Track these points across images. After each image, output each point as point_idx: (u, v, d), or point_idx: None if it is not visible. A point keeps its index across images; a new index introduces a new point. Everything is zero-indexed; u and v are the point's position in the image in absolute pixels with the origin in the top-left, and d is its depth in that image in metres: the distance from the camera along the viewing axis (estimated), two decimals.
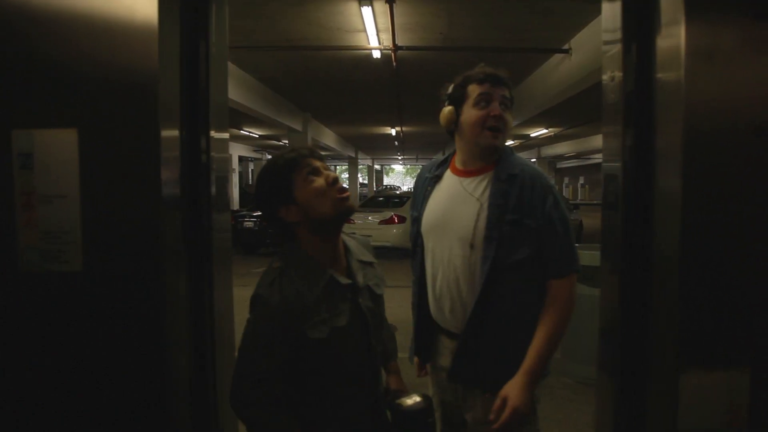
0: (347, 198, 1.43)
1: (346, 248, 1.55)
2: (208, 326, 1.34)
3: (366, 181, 39.34)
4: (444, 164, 1.92)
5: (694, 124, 1.10)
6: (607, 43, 1.52)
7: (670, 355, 1.15)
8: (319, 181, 1.41)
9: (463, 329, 1.73)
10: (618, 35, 1.39)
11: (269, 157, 23.32)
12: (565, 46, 7.28)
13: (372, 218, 11.33)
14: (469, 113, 1.75)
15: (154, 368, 1.13)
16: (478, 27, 6.67)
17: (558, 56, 7.81)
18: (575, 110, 12.72)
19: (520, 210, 1.68)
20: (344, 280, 1.45)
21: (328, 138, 19.07)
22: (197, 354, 1.36)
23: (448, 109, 1.82)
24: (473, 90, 1.75)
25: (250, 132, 17.65)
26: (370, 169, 38.65)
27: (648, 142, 1.29)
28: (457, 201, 1.80)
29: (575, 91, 8.10)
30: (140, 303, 1.12)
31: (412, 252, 1.96)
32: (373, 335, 1.51)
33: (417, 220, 1.90)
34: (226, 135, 1.44)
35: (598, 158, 27.87)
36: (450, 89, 1.83)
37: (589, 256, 4.28)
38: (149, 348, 1.13)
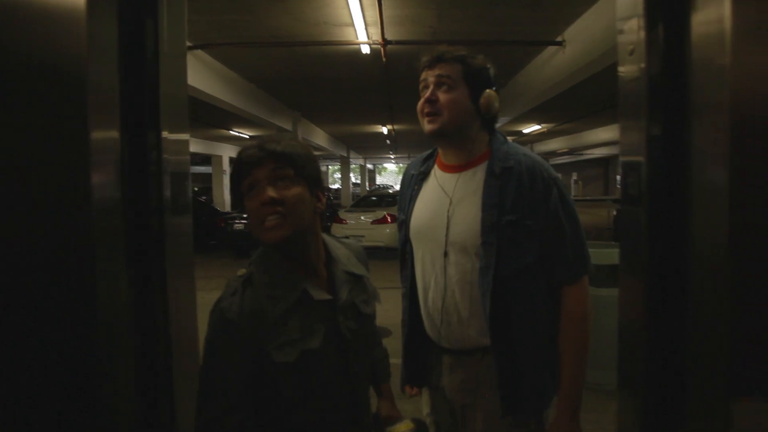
0: (271, 228, 1.18)
1: (330, 256, 1.33)
2: (161, 336, 1.16)
3: (359, 181, 39.24)
4: (430, 159, 1.73)
5: (742, 111, 0.90)
6: (623, 19, 1.33)
7: (717, 377, 0.95)
8: (252, 202, 1.20)
9: (495, 360, 1.51)
10: (639, 10, 1.19)
11: None
12: (559, 38, 7.12)
13: (364, 218, 11.19)
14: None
15: (87, 387, 0.94)
16: (469, 20, 6.50)
17: (551, 49, 7.65)
18: (568, 105, 12.62)
19: (519, 209, 1.47)
20: (320, 296, 1.24)
21: (319, 137, 18.89)
22: (150, 371, 1.16)
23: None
24: (420, 77, 1.60)
25: (239, 132, 17.47)
26: (362, 168, 38.52)
27: (679, 131, 1.10)
28: (441, 201, 1.60)
29: (569, 85, 7.95)
30: (70, 313, 0.92)
31: (400, 261, 1.75)
32: (353, 360, 1.29)
33: (404, 225, 1.69)
34: (184, 135, 1.24)
35: (590, 154, 27.84)
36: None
37: (604, 253, 4.11)
38: (81, 367, 0.93)
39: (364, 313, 1.34)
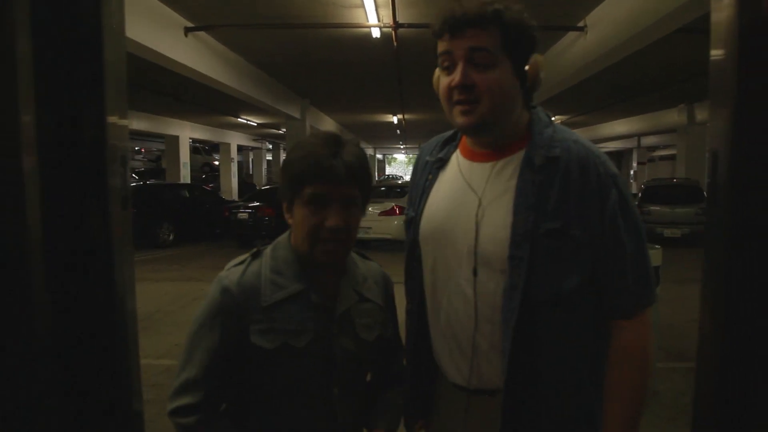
0: (327, 252, 1.14)
1: (344, 270, 1.25)
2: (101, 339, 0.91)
3: None
4: (451, 142, 1.35)
5: None
6: None
7: None
8: (311, 218, 1.13)
9: (504, 401, 1.16)
10: None
11: (269, 146, 23.46)
12: (581, 23, 6.76)
13: (372, 209, 10.89)
14: (439, 81, 1.20)
15: None
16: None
17: (571, 35, 7.29)
18: (585, 96, 12.24)
19: (564, 214, 1.12)
20: (318, 299, 1.18)
21: (328, 126, 18.59)
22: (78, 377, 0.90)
23: (436, 72, 1.24)
24: (439, 47, 1.17)
25: (248, 120, 17.25)
26: (371, 158, 38.29)
27: None
28: (461, 199, 1.23)
29: (589, 73, 7.61)
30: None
31: (405, 268, 1.38)
32: (337, 381, 1.17)
33: (413, 224, 1.33)
34: (123, 121, 0.96)
35: (605, 147, 27.34)
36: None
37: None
38: None
39: (362, 338, 1.21)
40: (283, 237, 1.23)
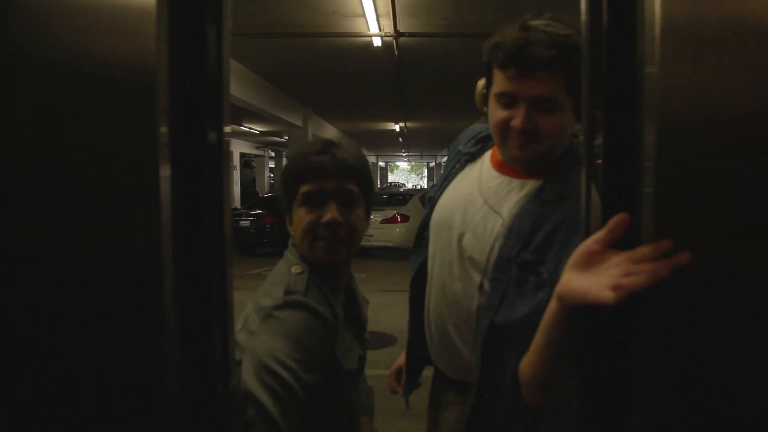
0: (327, 251, 1.10)
1: (351, 276, 1.25)
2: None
3: None
4: (489, 140, 1.32)
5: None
6: None
7: None
8: (307, 216, 1.11)
9: (469, 413, 1.19)
10: None
11: (272, 154, 23.49)
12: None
13: (373, 217, 10.83)
14: (491, 107, 1.17)
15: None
16: (487, 10, 6.17)
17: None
18: None
19: (544, 250, 1.10)
20: (353, 311, 1.22)
21: (330, 134, 18.64)
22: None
23: (481, 82, 1.24)
24: (496, 76, 1.13)
25: (251, 128, 17.32)
26: (374, 166, 38.33)
27: None
28: (473, 204, 1.24)
29: None
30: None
31: (414, 244, 1.42)
32: (354, 391, 1.23)
33: (431, 203, 1.36)
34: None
35: None
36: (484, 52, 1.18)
37: None
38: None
39: (365, 337, 1.27)
40: (291, 252, 1.17)
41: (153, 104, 0.75)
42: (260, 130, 17.88)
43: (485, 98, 1.21)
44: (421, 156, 37.16)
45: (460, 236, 1.23)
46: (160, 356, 0.75)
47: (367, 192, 1.17)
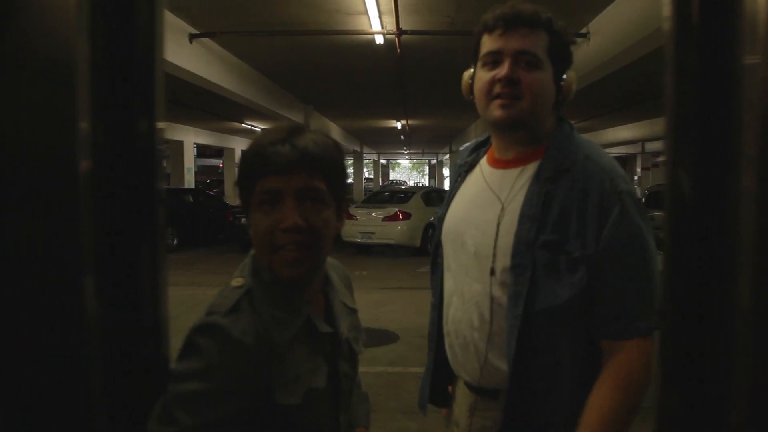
0: (289, 262, 0.92)
1: (327, 281, 1.08)
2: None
3: (372, 176, 39.04)
4: (482, 147, 1.39)
5: None
6: None
7: None
8: (264, 221, 0.92)
9: (506, 402, 1.19)
10: None
11: None
12: (583, 30, 6.77)
13: (375, 214, 10.91)
14: (477, 76, 1.23)
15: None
16: (489, 9, 6.16)
17: (575, 41, 7.30)
18: (589, 101, 12.22)
19: (563, 227, 1.12)
20: (323, 327, 0.99)
21: (332, 132, 18.58)
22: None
23: (467, 72, 1.29)
24: (484, 43, 1.22)
25: (252, 125, 17.31)
26: (375, 163, 38.25)
27: None
28: (480, 202, 1.27)
29: (593, 79, 7.59)
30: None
31: (431, 265, 1.45)
32: (342, 406, 1.07)
33: (440, 222, 1.39)
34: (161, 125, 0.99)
35: (610, 152, 27.24)
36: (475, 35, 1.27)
37: None
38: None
39: (356, 351, 1.11)
40: (250, 258, 1.00)
41: (73, 100, 0.71)
42: (261, 127, 17.86)
43: (471, 86, 1.28)
44: (423, 153, 37.14)
45: (470, 235, 1.25)
46: (80, 362, 0.74)
47: (337, 187, 0.97)
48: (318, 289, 1.04)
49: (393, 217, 10.70)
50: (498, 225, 1.19)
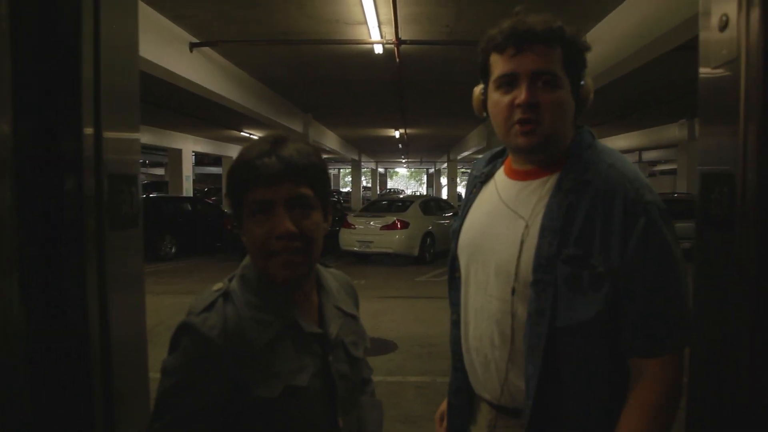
0: (285, 266, 0.98)
1: (321, 285, 1.13)
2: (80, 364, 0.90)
3: (369, 185, 39.07)
4: (499, 158, 1.35)
5: None
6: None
7: None
8: (258, 230, 0.97)
9: (528, 426, 1.14)
10: None
11: None
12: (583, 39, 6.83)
13: (374, 223, 10.91)
14: (491, 98, 1.17)
15: None
16: (488, 19, 6.08)
17: None
18: (588, 110, 12.29)
19: (587, 240, 1.08)
20: (310, 328, 1.05)
21: (331, 140, 18.66)
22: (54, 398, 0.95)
23: (478, 88, 1.25)
24: (495, 63, 1.15)
25: (250, 134, 17.33)
26: (373, 172, 38.32)
27: None
28: (497, 216, 1.23)
29: (593, 88, 7.64)
30: None
31: (449, 279, 1.39)
32: (340, 411, 1.07)
33: (455, 235, 1.34)
34: (131, 134, 0.97)
35: None
36: (480, 51, 1.20)
37: None
38: None
39: (354, 356, 1.13)
40: (246, 263, 1.06)
41: None
42: (260, 136, 17.85)
43: (484, 103, 1.23)
44: (421, 162, 37.20)
45: (490, 251, 1.21)
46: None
47: (323, 192, 1.04)
48: (309, 292, 1.09)
49: (391, 226, 10.69)
50: (521, 243, 1.15)
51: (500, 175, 1.30)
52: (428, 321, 6.19)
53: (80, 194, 0.86)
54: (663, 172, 27.71)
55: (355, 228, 10.91)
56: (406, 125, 16.00)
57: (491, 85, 1.17)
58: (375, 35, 6.69)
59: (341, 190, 38.27)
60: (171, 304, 7.18)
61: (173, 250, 11.80)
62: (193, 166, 20.01)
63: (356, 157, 26.67)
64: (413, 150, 26.26)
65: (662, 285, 1.06)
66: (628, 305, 1.06)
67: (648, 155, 23.34)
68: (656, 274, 1.05)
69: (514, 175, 1.25)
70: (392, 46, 7.00)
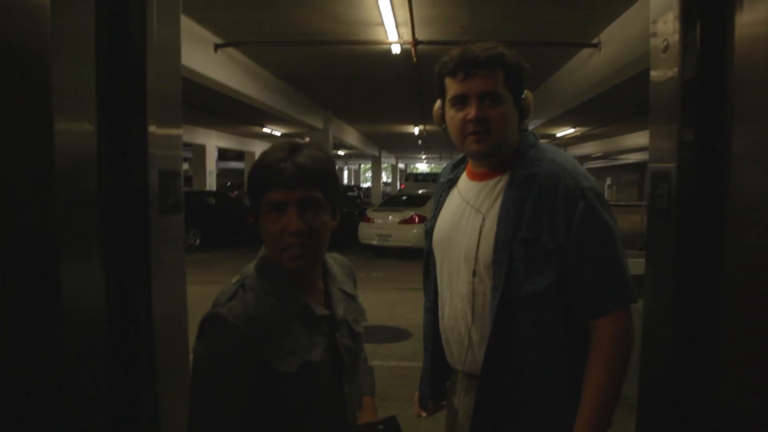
0: (294, 258, 1.12)
1: (326, 272, 1.30)
2: (143, 340, 1.10)
3: (390, 180, 39.15)
4: (461, 164, 1.59)
5: None
6: (657, 16, 1.23)
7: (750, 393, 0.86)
8: (274, 226, 1.12)
9: (479, 383, 1.39)
10: (674, 6, 1.10)
11: None
12: (595, 40, 6.93)
13: (392, 218, 11.11)
14: (448, 114, 1.43)
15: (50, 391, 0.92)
16: (502, 20, 6.36)
17: (587, 51, 7.45)
18: (603, 108, 12.30)
19: (536, 225, 1.31)
20: (320, 311, 1.20)
21: (351, 136, 18.85)
22: (130, 374, 1.15)
23: (437, 104, 1.50)
24: (449, 85, 1.40)
25: (272, 130, 17.57)
26: (393, 168, 38.40)
27: (715, 136, 1.01)
28: (462, 213, 1.47)
29: (604, 88, 7.74)
30: (32, 312, 0.87)
31: (424, 272, 1.64)
32: (346, 378, 1.25)
33: (429, 234, 1.59)
34: (176, 130, 1.18)
35: (626, 159, 27.14)
36: (437, 74, 1.45)
37: (635, 264, 3.94)
38: (44, 369, 0.89)
39: (356, 331, 1.29)
40: (263, 254, 1.20)
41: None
42: (282, 132, 18.12)
43: (442, 117, 1.48)
44: (440, 158, 37.15)
45: (458, 243, 1.44)
46: None
47: (332, 194, 1.17)
48: (317, 279, 1.24)
49: (409, 221, 10.86)
50: (480, 232, 1.39)
51: (463, 178, 1.53)
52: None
53: (146, 186, 1.08)
54: None
55: (374, 222, 11.11)
56: (425, 122, 16.08)
57: (447, 103, 1.42)
58: (392, 36, 6.86)
59: (361, 185, 38.46)
60: (195, 293, 7.48)
61: (197, 242, 12.11)
62: (216, 161, 20.35)
63: (376, 153, 26.83)
64: (432, 146, 26.29)
65: (604, 256, 1.28)
66: (577, 275, 1.28)
67: None
68: (597, 247, 1.28)
69: (473, 176, 1.49)
70: (409, 46, 7.17)
